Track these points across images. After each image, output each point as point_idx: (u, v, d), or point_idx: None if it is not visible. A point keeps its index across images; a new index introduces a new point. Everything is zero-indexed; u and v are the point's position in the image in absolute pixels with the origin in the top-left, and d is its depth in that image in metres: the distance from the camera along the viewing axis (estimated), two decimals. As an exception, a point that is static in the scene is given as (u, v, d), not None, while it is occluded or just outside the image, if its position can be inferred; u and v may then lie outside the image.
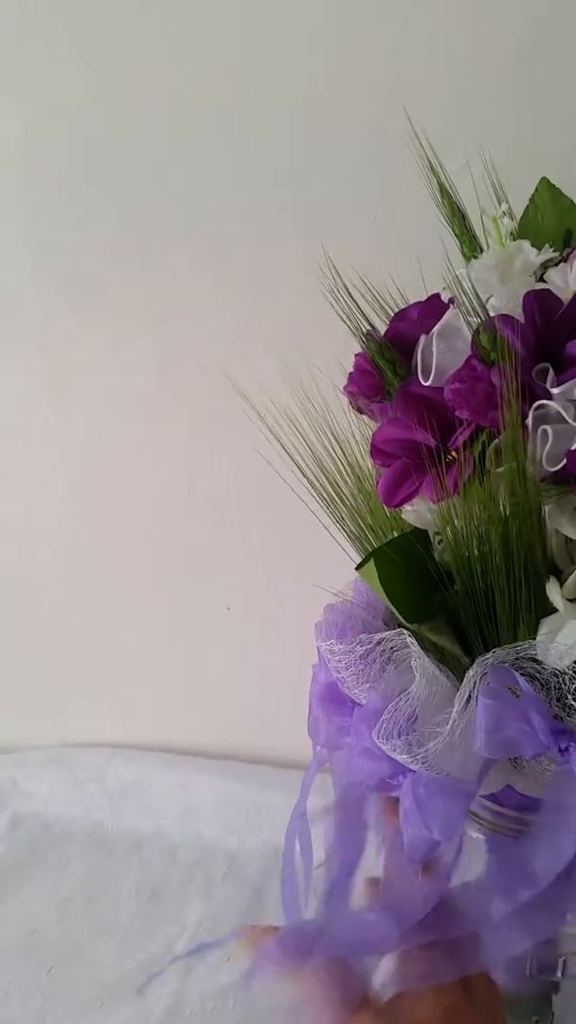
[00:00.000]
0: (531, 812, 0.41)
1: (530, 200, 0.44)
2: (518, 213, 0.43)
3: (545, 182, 0.43)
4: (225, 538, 0.65)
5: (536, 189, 0.43)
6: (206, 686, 0.72)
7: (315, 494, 0.42)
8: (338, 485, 0.42)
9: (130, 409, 0.63)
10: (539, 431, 0.33)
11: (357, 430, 0.42)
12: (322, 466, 0.42)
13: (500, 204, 0.42)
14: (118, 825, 0.72)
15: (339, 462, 0.42)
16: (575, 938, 0.46)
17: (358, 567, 0.37)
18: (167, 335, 0.60)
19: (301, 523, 0.42)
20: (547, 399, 0.33)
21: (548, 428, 0.33)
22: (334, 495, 0.42)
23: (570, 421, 0.32)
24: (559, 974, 0.46)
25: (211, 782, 0.71)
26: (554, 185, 0.43)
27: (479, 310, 0.38)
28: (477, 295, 0.38)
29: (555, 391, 0.33)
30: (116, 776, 0.73)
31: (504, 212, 0.40)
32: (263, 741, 0.63)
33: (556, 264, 0.38)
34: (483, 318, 0.38)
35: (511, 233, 0.43)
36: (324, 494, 0.42)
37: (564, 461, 0.32)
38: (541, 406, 0.33)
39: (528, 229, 0.44)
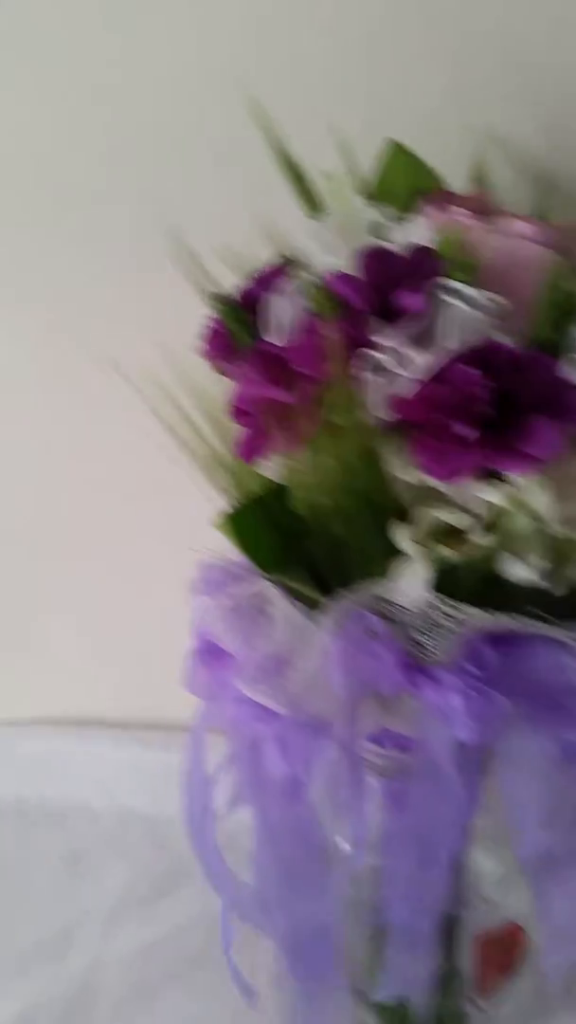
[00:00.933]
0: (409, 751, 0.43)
1: (382, 161, 0.45)
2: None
3: (393, 143, 0.44)
4: (113, 510, 0.66)
5: (385, 151, 0.44)
6: (114, 657, 0.73)
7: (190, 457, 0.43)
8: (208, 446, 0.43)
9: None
10: (369, 380, 0.34)
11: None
12: (196, 431, 0.43)
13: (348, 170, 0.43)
14: (36, 796, 0.72)
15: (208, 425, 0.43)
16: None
17: (217, 523, 0.39)
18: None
19: (186, 493, 0.43)
20: (376, 350, 0.34)
21: (377, 377, 0.34)
22: (205, 456, 0.43)
23: (395, 369, 0.34)
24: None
25: (126, 751, 0.73)
26: (403, 146, 0.44)
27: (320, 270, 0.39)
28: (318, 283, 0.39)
29: (383, 341, 0.34)
30: (30, 749, 0.74)
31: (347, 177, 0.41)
32: (176, 711, 0.64)
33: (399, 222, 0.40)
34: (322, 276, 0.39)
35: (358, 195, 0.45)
36: (197, 456, 0.43)
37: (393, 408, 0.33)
38: (370, 356, 0.34)
39: (382, 190, 0.45)
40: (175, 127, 0.54)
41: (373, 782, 0.45)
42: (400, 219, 0.39)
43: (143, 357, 0.47)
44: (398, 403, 0.33)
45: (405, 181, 0.43)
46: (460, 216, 0.37)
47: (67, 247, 0.58)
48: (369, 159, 0.44)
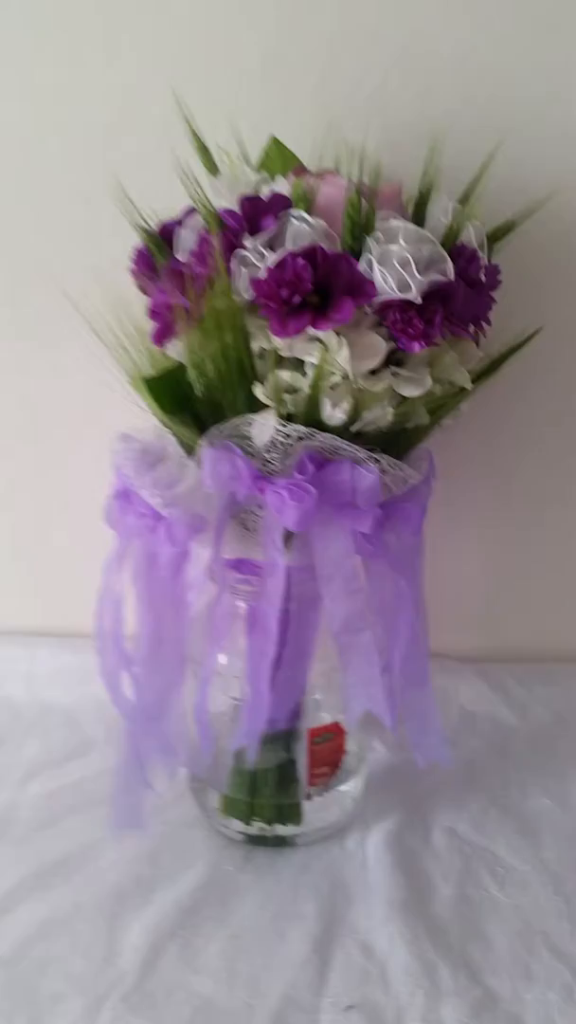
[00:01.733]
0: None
1: (264, 152, 0.62)
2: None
3: (274, 138, 0.62)
4: (59, 433, 0.80)
5: (268, 144, 0.62)
6: (46, 571, 0.86)
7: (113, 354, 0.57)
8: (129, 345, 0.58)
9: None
10: (239, 270, 0.50)
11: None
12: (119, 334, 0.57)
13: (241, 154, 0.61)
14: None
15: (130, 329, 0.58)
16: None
17: (134, 382, 0.54)
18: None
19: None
20: (244, 251, 0.50)
21: (244, 268, 0.50)
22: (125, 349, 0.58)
23: (256, 263, 0.50)
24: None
25: (54, 655, 0.85)
26: (280, 141, 0.62)
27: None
28: (211, 208, 0.55)
29: (247, 243, 0.50)
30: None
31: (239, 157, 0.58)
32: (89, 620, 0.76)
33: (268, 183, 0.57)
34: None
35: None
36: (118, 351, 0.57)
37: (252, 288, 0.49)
38: (239, 253, 0.50)
39: (265, 170, 0.62)
40: (122, 112, 0.71)
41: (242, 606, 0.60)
42: (269, 181, 0.56)
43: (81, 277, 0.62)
44: (255, 283, 0.49)
45: (280, 163, 0.61)
46: (306, 177, 0.54)
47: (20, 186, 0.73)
48: (258, 149, 0.61)
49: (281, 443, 0.51)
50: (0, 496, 0.85)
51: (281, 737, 0.62)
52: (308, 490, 0.50)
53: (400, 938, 0.55)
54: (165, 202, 0.57)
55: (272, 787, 0.62)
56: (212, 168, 0.59)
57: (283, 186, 0.55)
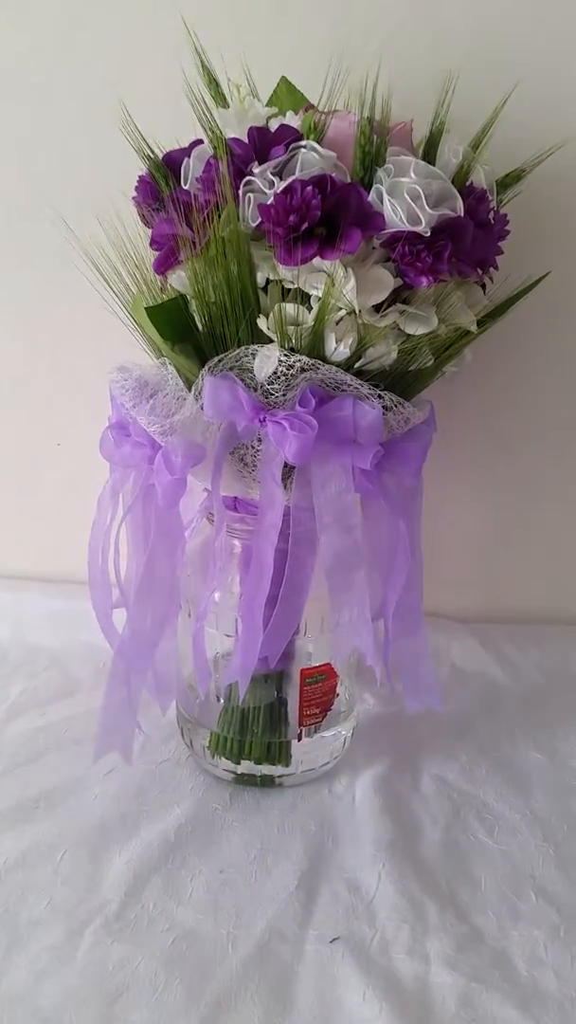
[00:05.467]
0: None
1: (273, 92, 0.62)
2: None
3: (284, 79, 0.61)
4: (53, 372, 0.79)
5: (278, 84, 0.61)
6: (38, 517, 0.86)
7: (115, 293, 0.57)
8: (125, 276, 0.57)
9: None
10: (246, 198, 0.50)
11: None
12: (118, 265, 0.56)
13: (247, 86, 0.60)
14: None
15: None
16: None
17: (135, 308, 0.54)
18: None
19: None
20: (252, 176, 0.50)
21: (252, 195, 0.50)
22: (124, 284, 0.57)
23: (264, 190, 0.49)
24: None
25: (42, 600, 0.85)
26: (290, 81, 0.61)
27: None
28: (220, 133, 0.55)
29: (255, 170, 0.50)
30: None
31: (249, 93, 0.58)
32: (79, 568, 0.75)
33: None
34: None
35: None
36: (117, 286, 0.57)
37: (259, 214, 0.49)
38: (248, 181, 0.50)
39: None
40: (133, 47, 0.70)
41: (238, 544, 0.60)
42: (279, 116, 0.55)
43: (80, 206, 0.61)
44: (263, 209, 0.48)
45: (290, 102, 0.60)
46: (316, 113, 0.54)
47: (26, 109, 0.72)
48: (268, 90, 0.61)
49: (284, 374, 0.51)
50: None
51: (273, 676, 0.62)
52: (310, 422, 0.50)
53: (387, 877, 0.56)
54: (169, 136, 0.57)
55: (262, 726, 0.62)
56: (221, 100, 0.58)
57: (293, 121, 0.54)
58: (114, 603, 0.60)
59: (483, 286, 0.57)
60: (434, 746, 0.69)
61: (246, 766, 0.63)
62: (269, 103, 0.61)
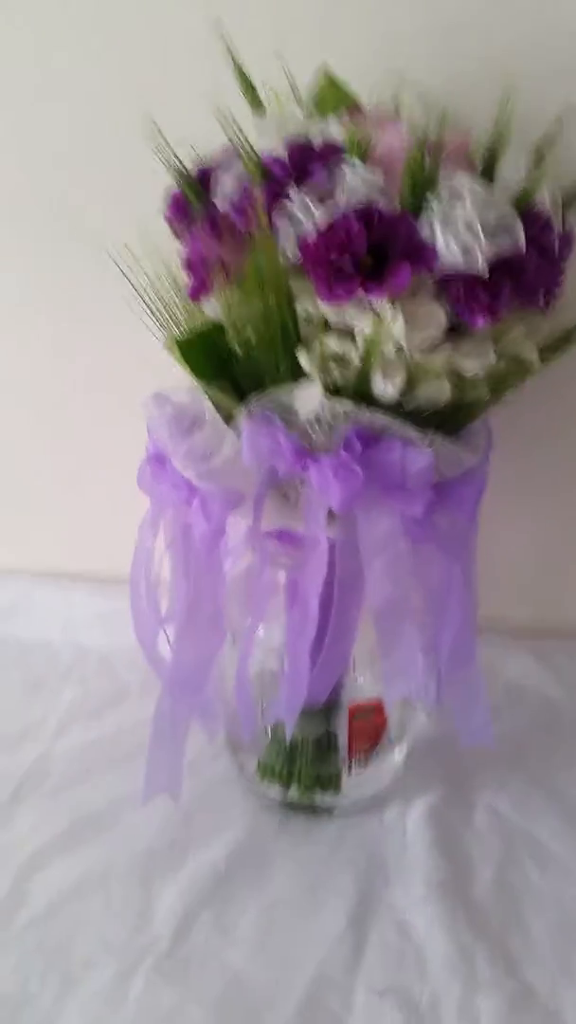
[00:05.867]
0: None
1: (316, 85, 0.56)
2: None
3: (325, 72, 0.56)
4: (97, 379, 0.77)
5: (320, 78, 0.56)
6: (89, 519, 0.85)
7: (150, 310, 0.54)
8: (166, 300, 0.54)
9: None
10: (283, 226, 0.46)
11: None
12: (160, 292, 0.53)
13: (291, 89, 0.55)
14: (5, 635, 0.84)
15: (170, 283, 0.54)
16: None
17: (168, 345, 0.51)
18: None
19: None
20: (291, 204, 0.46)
21: (290, 225, 0.46)
22: (165, 311, 0.54)
23: (301, 218, 0.45)
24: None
25: (92, 600, 0.84)
26: (332, 75, 0.56)
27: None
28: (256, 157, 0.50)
29: (294, 195, 0.46)
30: (5, 595, 0.86)
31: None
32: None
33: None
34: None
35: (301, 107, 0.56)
36: (158, 310, 0.54)
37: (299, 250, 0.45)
38: (283, 207, 0.46)
39: (317, 107, 0.57)
40: (166, 54, 0.65)
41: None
42: (321, 123, 0.50)
43: (120, 227, 0.58)
44: (303, 246, 0.45)
45: (333, 100, 0.55)
46: (362, 121, 0.49)
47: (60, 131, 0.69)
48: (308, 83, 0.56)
49: (326, 419, 0.47)
50: (41, 440, 0.83)
51: (321, 710, 0.60)
52: (355, 471, 0.47)
53: (438, 921, 0.54)
54: (206, 139, 0.52)
55: (310, 757, 0.61)
56: (258, 106, 0.53)
57: (336, 129, 0.49)
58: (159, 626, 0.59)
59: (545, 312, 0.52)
60: (488, 772, 0.67)
61: (295, 792, 0.62)
62: (312, 98, 0.57)
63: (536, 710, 0.75)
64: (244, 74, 0.53)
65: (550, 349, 0.53)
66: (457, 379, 0.48)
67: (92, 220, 0.67)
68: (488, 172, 0.49)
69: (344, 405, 0.47)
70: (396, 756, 0.64)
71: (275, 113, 0.51)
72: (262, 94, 0.53)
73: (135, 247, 0.54)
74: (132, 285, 0.52)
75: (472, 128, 0.50)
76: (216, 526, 0.49)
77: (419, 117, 0.50)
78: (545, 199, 0.48)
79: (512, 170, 0.48)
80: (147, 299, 0.53)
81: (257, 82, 0.53)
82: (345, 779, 0.62)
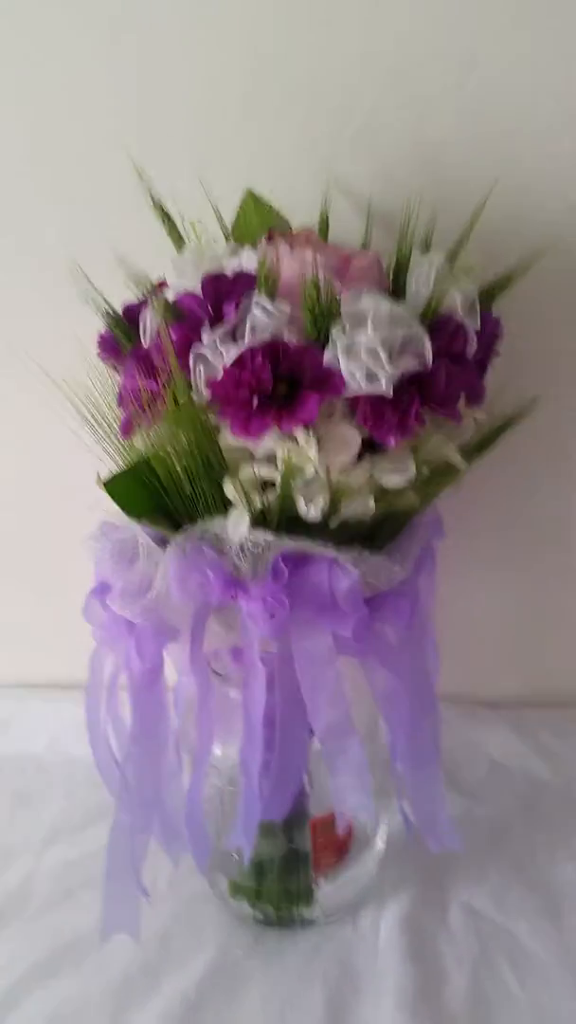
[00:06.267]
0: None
1: (239, 207, 0.58)
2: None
3: (250, 192, 0.58)
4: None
5: (243, 198, 0.58)
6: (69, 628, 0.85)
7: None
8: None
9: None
10: (197, 368, 0.47)
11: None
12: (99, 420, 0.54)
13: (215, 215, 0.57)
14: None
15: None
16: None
17: (99, 483, 0.52)
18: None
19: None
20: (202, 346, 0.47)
21: (201, 367, 0.47)
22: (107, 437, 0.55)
23: (211, 360, 0.46)
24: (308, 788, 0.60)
25: (78, 709, 0.84)
26: (256, 193, 0.58)
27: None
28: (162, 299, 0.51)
29: (204, 338, 0.47)
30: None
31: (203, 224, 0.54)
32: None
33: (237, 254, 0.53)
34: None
35: (224, 233, 0.58)
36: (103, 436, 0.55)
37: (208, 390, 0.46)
38: (197, 351, 0.47)
39: (240, 230, 0.58)
40: (87, 186, 0.67)
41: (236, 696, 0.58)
42: (237, 252, 0.52)
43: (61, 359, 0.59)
44: (212, 384, 0.46)
45: (257, 219, 0.57)
46: (279, 248, 0.50)
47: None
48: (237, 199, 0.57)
49: (251, 550, 0.48)
50: (21, 547, 0.84)
51: (282, 827, 0.59)
52: (282, 601, 0.47)
53: (408, 1039, 0.53)
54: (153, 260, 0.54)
55: (278, 874, 0.60)
56: (177, 240, 0.55)
57: (251, 259, 0.51)
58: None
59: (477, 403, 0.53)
60: (465, 864, 0.66)
61: (264, 911, 0.61)
62: (236, 221, 0.58)
63: (518, 789, 0.74)
64: (163, 208, 0.55)
65: (482, 445, 0.54)
66: (382, 492, 0.48)
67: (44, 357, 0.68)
68: (398, 284, 0.51)
69: (265, 534, 0.47)
70: (369, 860, 0.63)
71: (194, 247, 0.53)
72: (182, 227, 0.55)
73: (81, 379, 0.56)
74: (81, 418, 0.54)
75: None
76: (151, 664, 0.50)
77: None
78: (456, 304, 0.49)
79: (421, 282, 0.49)
80: (93, 435, 0.54)
81: (179, 212, 0.55)
82: (317, 891, 0.61)
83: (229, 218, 0.58)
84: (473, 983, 0.57)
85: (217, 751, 0.58)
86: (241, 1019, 0.56)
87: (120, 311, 0.54)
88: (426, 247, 0.55)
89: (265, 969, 0.59)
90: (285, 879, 0.61)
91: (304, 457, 0.46)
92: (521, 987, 0.57)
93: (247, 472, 0.48)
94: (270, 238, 0.54)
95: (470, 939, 0.60)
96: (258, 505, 0.48)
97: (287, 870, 0.61)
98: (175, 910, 0.64)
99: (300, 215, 0.58)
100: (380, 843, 0.64)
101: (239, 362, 0.45)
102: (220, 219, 0.58)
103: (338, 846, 0.60)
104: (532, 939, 0.60)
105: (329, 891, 0.61)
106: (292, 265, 0.49)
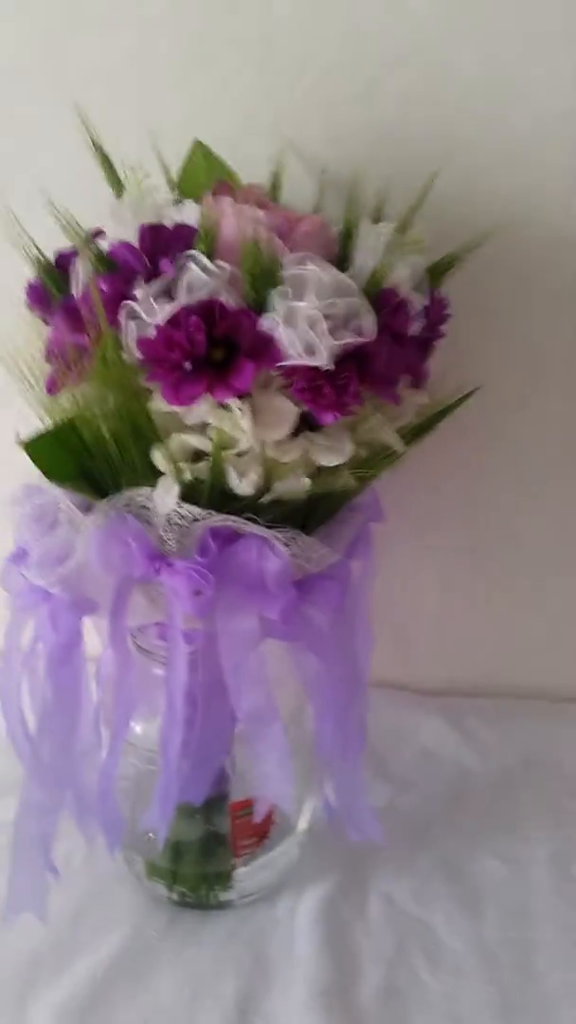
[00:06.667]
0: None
1: (187, 158, 0.55)
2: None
3: (198, 143, 0.55)
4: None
5: (191, 149, 0.55)
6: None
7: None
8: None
9: None
10: (127, 325, 0.44)
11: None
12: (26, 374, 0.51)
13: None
14: None
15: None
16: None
17: (19, 444, 0.48)
18: None
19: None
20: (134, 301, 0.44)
21: (132, 323, 0.44)
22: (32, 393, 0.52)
23: (144, 317, 0.43)
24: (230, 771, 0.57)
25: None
26: (205, 145, 0.55)
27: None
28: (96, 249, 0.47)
29: (138, 293, 0.44)
30: None
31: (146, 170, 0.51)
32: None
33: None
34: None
35: (168, 184, 0.55)
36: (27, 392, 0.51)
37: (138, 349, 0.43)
38: (127, 305, 0.44)
39: (187, 183, 0.55)
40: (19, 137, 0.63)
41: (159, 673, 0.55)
42: (179, 203, 0.49)
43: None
44: (142, 343, 0.43)
45: (205, 171, 0.54)
46: (223, 204, 0.47)
47: None
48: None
49: (178, 523, 0.45)
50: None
51: (200, 810, 0.57)
52: (208, 578, 0.45)
53: (315, 1032, 0.52)
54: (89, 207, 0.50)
55: (195, 857, 0.59)
56: (117, 185, 0.52)
57: (192, 213, 0.47)
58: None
59: (417, 385, 0.51)
60: (388, 853, 0.64)
61: (180, 893, 0.60)
62: (182, 173, 0.55)
63: (446, 777, 0.73)
64: (101, 150, 0.52)
65: (421, 429, 0.51)
66: (317, 471, 0.46)
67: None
68: (344, 253, 0.48)
69: (194, 508, 0.45)
70: (290, 845, 0.62)
71: (135, 195, 0.49)
72: (122, 174, 0.51)
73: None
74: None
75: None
76: (66, 638, 0.47)
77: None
78: (403, 279, 0.47)
79: (367, 252, 0.46)
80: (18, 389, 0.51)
81: (121, 158, 0.51)
82: (235, 875, 0.59)
83: (176, 170, 0.55)
84: (388, 977, 0.56)
85: (137, 729, 0.56)
86: (151, 1003, 0.54)
87: (52, 259, 0.51)
88: (377, 219, 0.53)
89: (178, 951, 0.58)
90: (203, 862, 0.59)
91: (237, 428, 0.43)
92: (435, 979, 0.56)
93: (177, 441, 0.46)
94: (216, 193, 0.50)
95: (386, 930, 0.59)
96: (188, 476, 0.45)
97: (205, 852, 0.59)
98: (89, 888, 0.62)
99: (252, 176, 0.55)
100: (302, 827, 0.63)
101: (172, 321, 0.42)
102: (166, 170, 0.55)
103: (258, 830, 0.59)
104: (447, 929, 0.59)
105: (249, 871, 0.60)
106: (236, 222, 0.45)
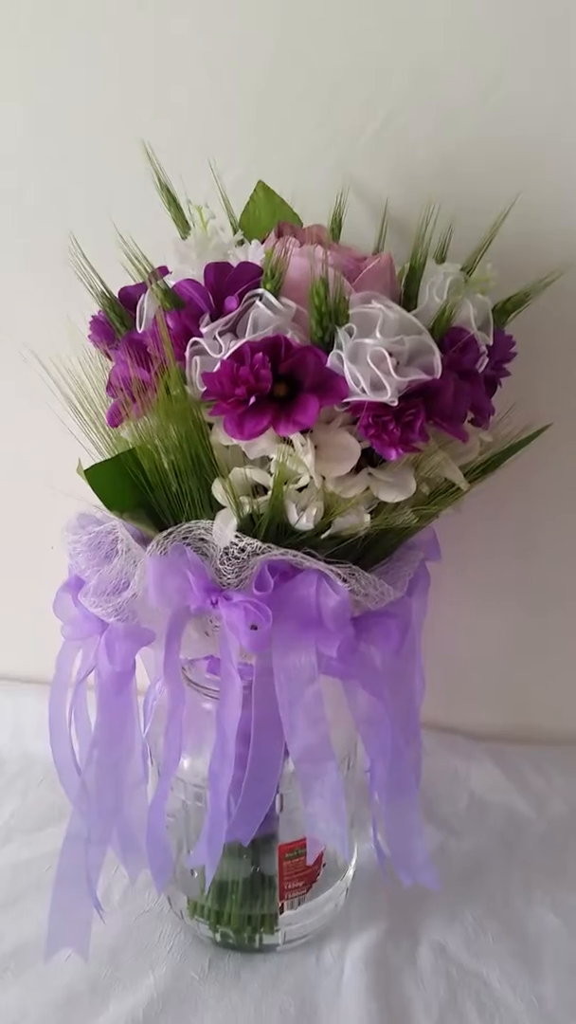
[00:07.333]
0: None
1: (250, 199, 0.56)
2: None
3: (261, 184, 0.56)
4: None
5: (254, 189, 0.56)
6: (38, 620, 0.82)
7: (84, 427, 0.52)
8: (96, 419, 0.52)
9: None
10: (192, 360, 0.44)
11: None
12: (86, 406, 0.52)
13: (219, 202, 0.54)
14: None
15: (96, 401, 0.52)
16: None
17: (80, 472, 0.49)
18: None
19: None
20: (199, 337, 0.44)
21: (198, 358, 0.44)
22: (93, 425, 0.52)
23: (209, 352, 0.44)
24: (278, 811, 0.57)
25: (39, 705, 0.81)
26: (268, 186, 0.55)
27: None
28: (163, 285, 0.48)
29: (204, 330, 0.44)
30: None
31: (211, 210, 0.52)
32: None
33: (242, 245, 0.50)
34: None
35: (231, 224, 0.56)
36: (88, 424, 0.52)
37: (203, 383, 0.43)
38: (195, 342, 0.44)
39: (249, 222, 0.56)
40: (87, 174, 0.65)
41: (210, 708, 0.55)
42: (244, 243, 0.49)
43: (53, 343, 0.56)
44: (208, 377, 0.43)
45: (268, 211, 0.54)
46: (287, 243, 0.47)
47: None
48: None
49: (236, 556, 0.45)
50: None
51: (248, 850, 0.57)
52: (265, 612, 0.44)
53: None
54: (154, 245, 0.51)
55: (241, 897, 0.58)
56: (183, 225, 0.53)
57: (257, 253, 0.48)
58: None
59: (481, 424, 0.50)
60: (439, 898, 0.62)
61: (223, 934, 0.58)
62: (245, 213, 0.56)
63: (498, 826, 0.71)
64: (169, 190, 0.53)
65: (486, 467, 0.51)
66: (378, 507, 0.46)
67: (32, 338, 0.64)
68: (410, 292, 0.48)
69: (252, 541, 0.44)
70: (338, 889, 0.60)
71: (199, 234, 0.50)
72: (188, 213, 0.52)
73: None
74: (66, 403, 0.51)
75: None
76: (121, 667, 0.47)
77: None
78: (470, 317, 0.47)
79: (435, 290, 0.46)
80: (79, 422, 0.51)
81: (188, 198, 0.52)
82: (280, 919, 0.58)
83: (238, 210, 0.56)
84: (439, 1028, 0.54)
85: (185, 764, 0.55)
86: (191, 1051, 0.53)
87: (116, 294, 0.52)
88: (441, 258, 0.53)
89: (220, 996, 0.56)
90: (248, 903, 0.58)
91: (299, 463, 0.43)
92: (488, 1035, 0.54)
93: (238, 474, 0.46)
94: (279, 232, 0.51)
95: (438, 980, 0.57)
96: (247, 510, 0.45)
97: (251, 894, 0.58)
98: (128, 924, 0.61)
99: (312, 214, 0.55)
100: (351, 872, 0.61)
101: (237, 356, 0.42)
102: (228, 208, 0.56)
103: (306, 873, 0.57)
104: (502, 983, 0.57)
105: (295, 916, 0.58)
106: (300, 262, 0.46)
